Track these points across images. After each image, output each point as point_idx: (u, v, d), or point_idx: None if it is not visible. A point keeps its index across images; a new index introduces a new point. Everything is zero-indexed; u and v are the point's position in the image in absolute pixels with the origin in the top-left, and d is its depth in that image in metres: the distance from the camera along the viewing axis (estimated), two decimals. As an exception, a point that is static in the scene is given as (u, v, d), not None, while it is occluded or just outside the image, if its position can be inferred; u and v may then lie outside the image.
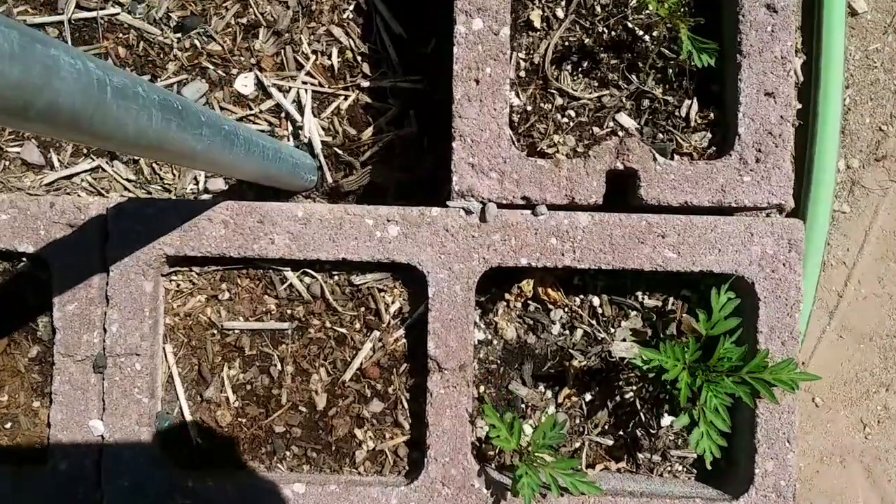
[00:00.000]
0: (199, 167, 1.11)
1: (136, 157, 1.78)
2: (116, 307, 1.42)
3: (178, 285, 1.50)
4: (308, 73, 1.78)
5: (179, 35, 1.78)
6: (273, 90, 1.77)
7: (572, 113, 1.51)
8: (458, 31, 1.38)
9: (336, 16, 1.78)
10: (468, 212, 1.41)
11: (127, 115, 0.80)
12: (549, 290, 1.54)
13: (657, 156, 1.39)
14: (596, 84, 1.52)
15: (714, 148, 1.47)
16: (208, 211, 1.40)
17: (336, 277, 1.51)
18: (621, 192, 1.46)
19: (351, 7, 1.78)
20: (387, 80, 1.76)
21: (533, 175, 1.40)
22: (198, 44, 1.78)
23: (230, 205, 1.41)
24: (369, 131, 1.76)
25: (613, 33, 1.51)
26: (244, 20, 1.78)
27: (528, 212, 1.42)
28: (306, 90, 1.77)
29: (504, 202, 1.40)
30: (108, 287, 1.41)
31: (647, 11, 1.50)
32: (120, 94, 0.78)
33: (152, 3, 1.78)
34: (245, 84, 1.78)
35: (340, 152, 1.76)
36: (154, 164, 1.78)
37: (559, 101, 1.51)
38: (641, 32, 1.50)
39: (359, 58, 1.77)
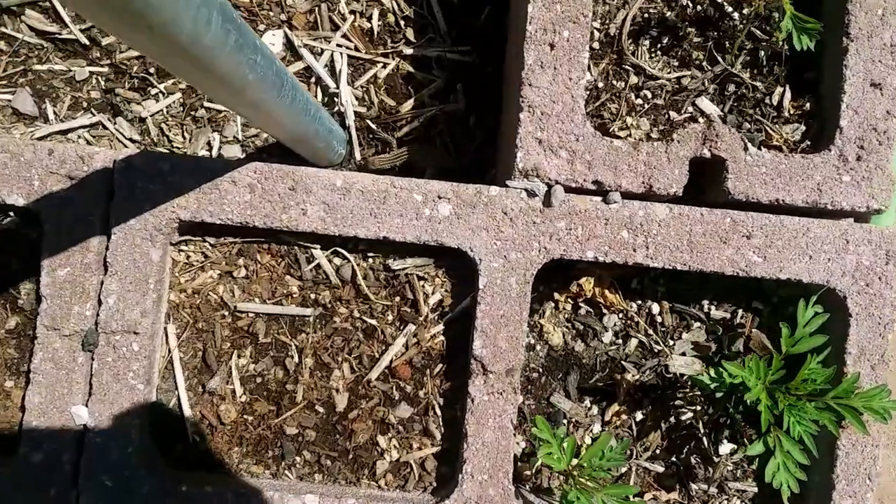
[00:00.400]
0: (239, 106, 0.92)
1: (142, 116, 1.57)
2: (116, 276, 1.21)
3: (189, 257, 1.30)
4: (344, 36, 1.59)
5: (204, -20, 1.58)
6: (304, 51, 1.58)
7: (648, 93, 1.34)
8: (535, -13, 1.21)
9: (380, -26, 1.60)
10: (531, 194, 1.23)
11: (186, 3, 0.61)
12: (606, 292, 1.37)
13: (749, 145, 1.23)
14: (676, 63, 1.35)
15: (808, 142, 1.30)
16: (233, 172, 1.21)
17: (371, 260, 1.31)
18: (699, 186, 1.29)
19: (397, -34, 1.60)
20: (432, 49, 1.58)
21: (608, 157, 1.22)
22: (223, -7, 1.59)
23: (259, 167, 1.22)
24: (409, 104, 1.57)
25: (699, 7, 1.35)
26: (277, -29, 1.60)
27: (599, 199, 1.25)
28: (341, 54, 1.58)
29: (573, 186, 1.23)
30: (109, 252, 1.21)
31: (739, -14, 1.34)
32: (179, -27, 0.59)
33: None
34: (273, 42, 1.59)
35: (374, 126, 1.57)
36: (163, 124, 1.58)
37: (634, 79, 1.34)
38: (730, 9, 1.34)
39: (402, 22, 1.60)
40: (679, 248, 1.24)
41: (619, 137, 1.30)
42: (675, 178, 1.23)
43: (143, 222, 1.21)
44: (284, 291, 1.31)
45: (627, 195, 1.24)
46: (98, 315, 1.22)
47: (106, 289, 1.22)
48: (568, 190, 1.24)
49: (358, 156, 1.59)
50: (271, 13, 1.61)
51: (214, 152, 1.58)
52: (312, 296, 1.31)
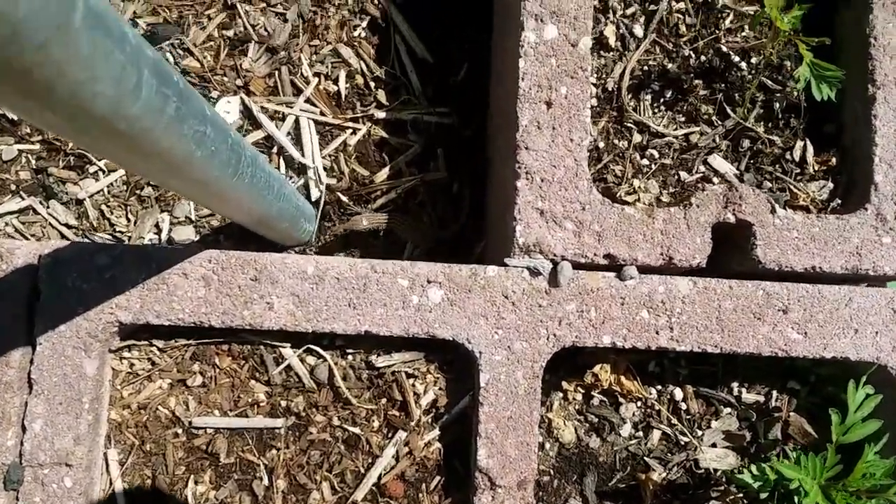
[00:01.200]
0: (186, 189, 0.74)
1: (79, 197, 1.38)
2: (42, 395, 1.00)
3: (132, 365, 1.09)
4: (308, 101, 1.43)
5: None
6: (263, 117, 1.41)
7: (654, 153, 1.20)
8: (527, 40, 1.06)
9: (345, 33, 1.45)
10: (535, 273, 1.06)
11: (105, 58, 0.43)
12: (623, 379, 1.19)
13: (776, 207, 1.08)
14: (682, 119, 1.21)
15: (838, 201, 1.16)
16: (184, 262, 1.01)
17: (351, 357, 1.12)
18: (724, 254, 1.13)
19: (364, 24, 1.46)
20: (407, 112, 1.43)
21: (619, 227, 1.06)
22: (171, 58, 1.42)
23: (214, 255, 1.03)
24: (384, 173, 1.41)
25: (703, 58, 1.22)
26: (230, 33, 1.44)
27: (612, 275, 1.08)
28: (307, 119, 1.42)
29: (582, 261, 1.06)
30: (33, 366, 1.00)
31: (745, 34, 1.22)
32: (95, 19, 0.41)
33: (114, 3, 1.42)
34: (227, 111, 1.42)
35: (346, 199, 1.40)
36: (103, 206, 1.39)
37: (638, 137, 1.20)
38: (737, 58, 1.21)
39: (372, 84, 1.44)
40: (708, 327, 1.07)
41: (626, 203, 1.14)
42: (697, 248, 1.07)
43: (75, 328, 1.01)
44: (249, 400, 1.10)
45: (644, 269, 1.08)
46: (22, 445, 1.00)
47: (30, 412, 1.00)
48: (577, 266, 1.07)
49: (330, 231, 1.41)
50: (225, 78, 1.44)
51: (164, 236, 1.39)
52: (283, 403, 1.11)
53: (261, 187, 0.90)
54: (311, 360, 1.12)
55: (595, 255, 1.07)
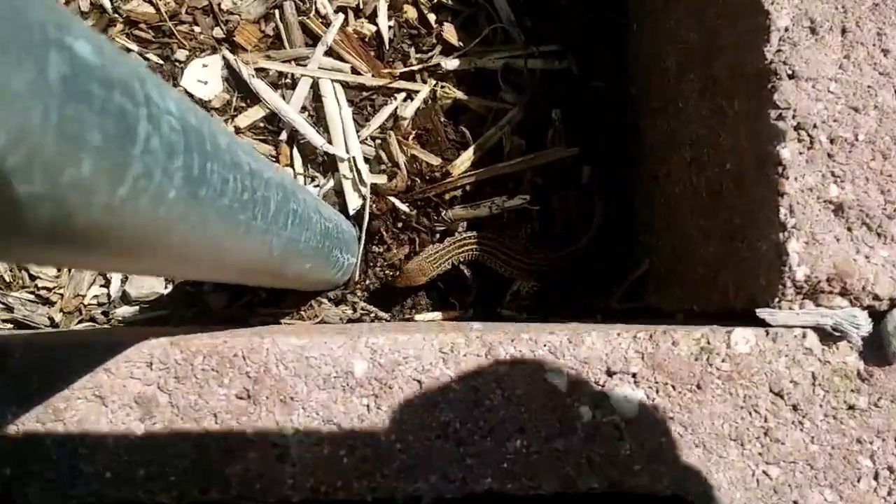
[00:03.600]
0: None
1: None
2: None
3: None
4: (331, 53, 0.88)
5: (64, -21, 0.88)
6: (259, 86, 0.86)
7: None
8: None
9: (383, -61, 0.89)
10: (833, 335, 0.49)
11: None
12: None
13: None
14: None
15: None
16: (113, 360, 0.47)
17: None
18: None
19: (411, -78, 0.89)
20: (496, 56, 0.87)
21: None
22: (108, 4, 0.88)
23: (163, 348, 0.48)
24: (465, 158, 0.84)
25: None
26: (200, -45, 0.89)
27: None
28: (331, 84, 0.86)
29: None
30: None
31: None
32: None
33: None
34: (203, 76, 0.87)
35: (404, 206, 0.84)
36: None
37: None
38: None
39: (432, 16, 0.88)
40: None
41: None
42: None
43: None
44: None
45: None
46: None
47: None
48: (920, 319, 0.49)
49: (380, 266, 0.85)
50: (196, 28, 0.89)
51: (114, 290, 0.85)
52: None
53: (295, 234, 0.37)
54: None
55: (958, 292, 0.49)
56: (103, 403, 0.50)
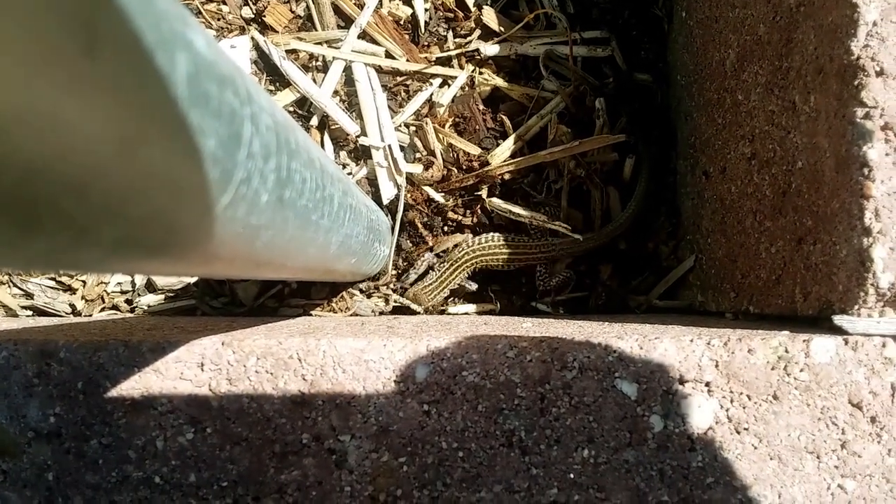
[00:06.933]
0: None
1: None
2: None
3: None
4: (365, 36, 0.85)
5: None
6: (290, 69, 0.83)
7: None
8: None
9: (419, -83, 0.85)
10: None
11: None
12: None
13: None
14: None
15: None
16: (158, 362, 0.44)
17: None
18: None
19: None
20: (537, 42, 0.84)
21: None
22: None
23: (215, 346, 0.45)
24: (506, 148, 0.82)
25: None
26: (228, -71, 0.85)
27: None
28: (365, 68, 0.83)
29: None
30: None
31: None
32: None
33: None
34: (233, 57, 0.85)
35: (440, 197, 0.82)
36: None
37: None
38: None
39: (470, 0, 0.85)
40: None
41: None
42: None
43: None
44: None
45: None
46: None
47: None
48: None
49: (415, 253, 0.83)
50: (224, 7, 0.86)
51: (139, 279, 0.82)
52: None
53: (349, 230, 0.35)
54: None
55: None
56: (152, 406, 0.48)
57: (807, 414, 0.48)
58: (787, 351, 0.48)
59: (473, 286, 0.83)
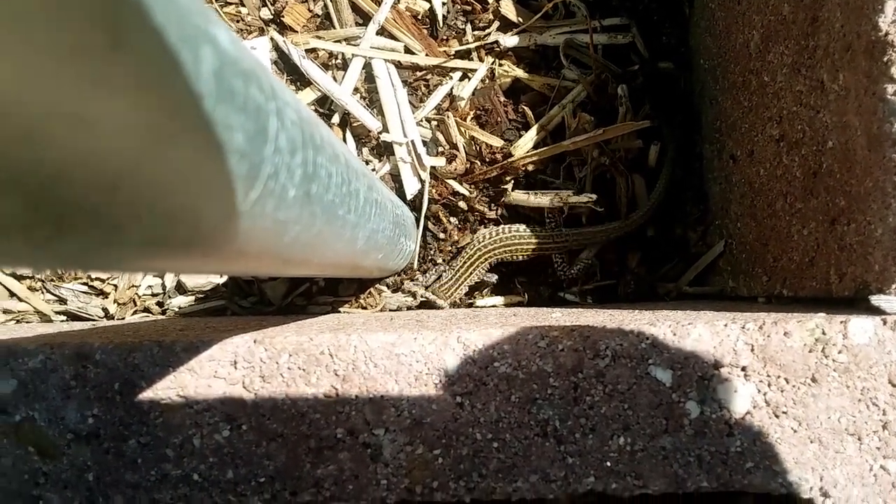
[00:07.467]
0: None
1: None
2: None
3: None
4: (383, 32, 0.85)
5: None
6: (310, 68, 0.83)
7: None
8: None
9: (434, -90, 0.85)
10: (956, 327, 0.45)
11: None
12: None
13: None
14: None
15: None
16: (192, 361, 0.45)
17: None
18: None
19: None
20: (556, 31, 0.83)
21: None
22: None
23: (247, 344, 0.46)
24: (528, 139, 0.81)
25: None
26: (245, -69, 0.86)
27: None
28: (384, 64, 0.83)
29: None
30: None
31: None
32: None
33: None
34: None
35: (465, 189, 0.81)
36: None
37: None
38: None
39: (489, -10, 0.85)
40: None
41: None
42: None
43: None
44: None
45: None
46: None
47: None
48: None
49: (441, 247, 0.83)
50: (243, 9, 0.87)
51: (170, 283, 0.84)
52: None
53: (375, 225, 0.35)
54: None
55: None
56: (188, 404, 0.49)
57: (846, 395, 0.47)
58: (824, 333, 0.47)
59: (493, 278, 0.83)
